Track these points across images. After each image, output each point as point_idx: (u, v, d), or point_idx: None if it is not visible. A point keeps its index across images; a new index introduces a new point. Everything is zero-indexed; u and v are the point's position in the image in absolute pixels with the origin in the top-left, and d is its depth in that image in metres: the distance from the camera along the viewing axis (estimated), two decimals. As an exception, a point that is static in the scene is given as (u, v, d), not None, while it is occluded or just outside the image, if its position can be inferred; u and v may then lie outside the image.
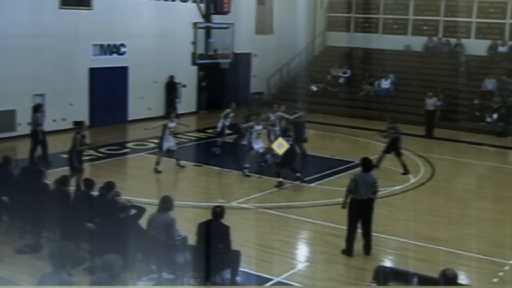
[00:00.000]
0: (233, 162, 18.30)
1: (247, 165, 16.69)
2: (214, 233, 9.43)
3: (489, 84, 26.19)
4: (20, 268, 10.26)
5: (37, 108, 17.43)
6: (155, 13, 24.27)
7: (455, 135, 23.01)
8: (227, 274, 9.56)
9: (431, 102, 23.48)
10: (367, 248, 11.47)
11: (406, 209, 14.49)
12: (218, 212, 9.62)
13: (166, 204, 10.02)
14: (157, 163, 16.79)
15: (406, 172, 17.23)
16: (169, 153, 17.13)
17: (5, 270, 10.17)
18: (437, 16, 29.48)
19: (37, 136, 17.09)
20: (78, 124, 15.12)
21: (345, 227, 11.59)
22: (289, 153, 15.85)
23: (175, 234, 9.89)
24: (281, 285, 10.19)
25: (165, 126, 16.93)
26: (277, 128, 18.19)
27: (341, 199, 11.78)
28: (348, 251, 11.39)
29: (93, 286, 6.53)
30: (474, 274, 11.07)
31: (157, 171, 16.67)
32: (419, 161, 18.97)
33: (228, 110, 19.70)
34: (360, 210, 11.38)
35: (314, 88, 28.80)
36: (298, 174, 16.07)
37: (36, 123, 17.19)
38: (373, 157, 18.84)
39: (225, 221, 9.70)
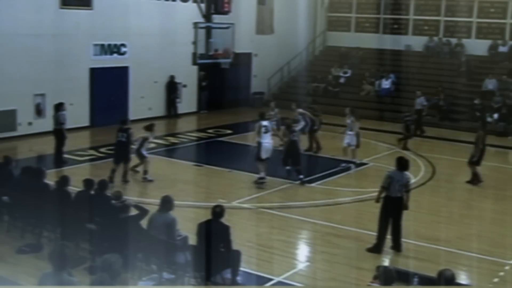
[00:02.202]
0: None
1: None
2: (214, 233, 9.42)
3: (490, 84, 26.19)
4: (20, 268, 10.26)
5: (59, 107, 17.51)
6: (156, 13, 24.27)
7: (455, 135, 23.01)
8: (227, 274, 9.56)
9: (419, 102, 23.64)
10: (397, 245, 11.54)
11: (407, 209, 14.47)
12: (218, 212, 9.60)
13: (166, 204, 10.02)
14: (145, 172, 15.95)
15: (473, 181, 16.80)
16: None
17: (5, 270, 10.17)
18: (437, 16, 29.48)
19: (62, 134, 17.30)
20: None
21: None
22: (291, 148, 16.04)
23: (175, 234, 9.89)
24: (282, 285, 10.18)
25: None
26: (302, 123, 18.60)
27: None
28: (377, 249, 11.43)
29: (93, 286, 6.53)
30: (474, 274, 11.07)
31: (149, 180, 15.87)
32: (420, 161, 18.97)
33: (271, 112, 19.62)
34: (392, 207, 11.47)
35: (316, 84, 28.94)
36: (301, 176, 16.12)
37: (58, 121, 17.36)
38: (375, 157, 18.90)
39: (225, 220, 9.70)
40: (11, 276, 9.89)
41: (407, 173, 11.75)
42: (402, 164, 11.72)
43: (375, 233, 11.65)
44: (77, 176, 12.93)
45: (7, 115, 20.03)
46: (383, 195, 11.59)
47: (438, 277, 7.29)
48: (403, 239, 11.65)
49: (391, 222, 11.52)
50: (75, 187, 11.88)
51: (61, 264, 6.25)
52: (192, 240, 9.92)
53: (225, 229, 9.50)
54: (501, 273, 10.99)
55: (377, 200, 11.71)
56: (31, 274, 9.62)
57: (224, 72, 24.96)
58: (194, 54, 21.70)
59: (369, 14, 31.08)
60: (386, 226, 11.52)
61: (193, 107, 26.82)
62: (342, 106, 21.48)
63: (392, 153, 19.77)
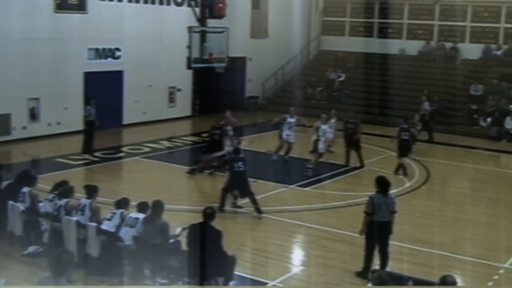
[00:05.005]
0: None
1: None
2: (206, 236, 9.34)
3: (476, 90, 26.13)
4: (21, 273, 10.23)
5: (88, 101, 18.79)
6: (150, 17, 24.27)
7: (450, 139, 23.06)
8: (221, 277, 9.54)
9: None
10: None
11: (401, 213, 14.31)
12: (209, 213, 9.54)
13: (157, 208, 9.99)
14: None
15: None
16: None
17: (6, 275, 10.12)
18: (431, 20, 29.59)
19: (91, 128, 18.44)
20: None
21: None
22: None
23: (168, 238, 9.86)
24: (276, 289, 10.18)
25: None
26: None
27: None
28: (364, 274, 10.49)
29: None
30: (469, 277, 11.09)
31: None
32: (414, 165, 18.99)
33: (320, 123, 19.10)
34: (379, 232, 10.44)
35: (310, 90, 28.99)
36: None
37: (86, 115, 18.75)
38: (369, 161, 18.93)
39: (219, 224, 9.65)
40: (11, 281, 9.84)
41: (391, 195, 10.79)
42: (384, 185, 10.55)
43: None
44: (72, 181, 12.87)
45: (1, 119, 19.97)
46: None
47: (441, 283, 7.29)
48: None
49: (378, 248, 10.51)
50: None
51: (59, 270, 6.19)
52: (184, 244, 9.88)
53: (217, 234, 9.43)
54: (496, 277, 11.03)
55: (362, 232, 10.51)
56: (30, 281, 9.57)
57: (218, 76, 24.98)
58: (189, 58, 21.72)
59: (363, 19, 31.16)
60: (372, 252, 10.54)
61: (187, 111, 26.80)
62: (336, 110, 21.50)
63: (386, 157, 19.83)
